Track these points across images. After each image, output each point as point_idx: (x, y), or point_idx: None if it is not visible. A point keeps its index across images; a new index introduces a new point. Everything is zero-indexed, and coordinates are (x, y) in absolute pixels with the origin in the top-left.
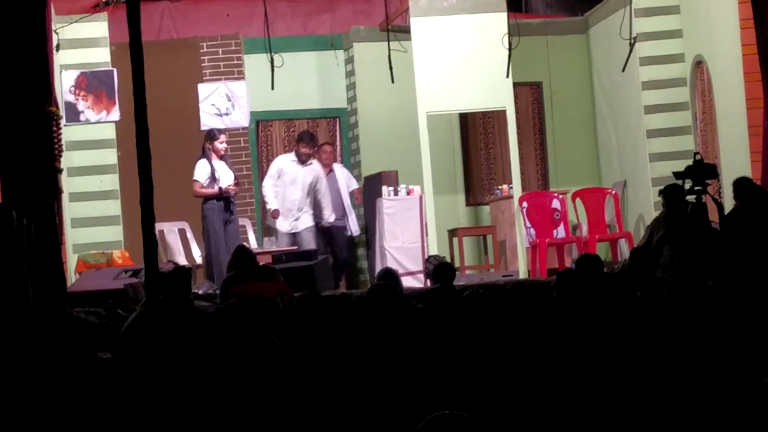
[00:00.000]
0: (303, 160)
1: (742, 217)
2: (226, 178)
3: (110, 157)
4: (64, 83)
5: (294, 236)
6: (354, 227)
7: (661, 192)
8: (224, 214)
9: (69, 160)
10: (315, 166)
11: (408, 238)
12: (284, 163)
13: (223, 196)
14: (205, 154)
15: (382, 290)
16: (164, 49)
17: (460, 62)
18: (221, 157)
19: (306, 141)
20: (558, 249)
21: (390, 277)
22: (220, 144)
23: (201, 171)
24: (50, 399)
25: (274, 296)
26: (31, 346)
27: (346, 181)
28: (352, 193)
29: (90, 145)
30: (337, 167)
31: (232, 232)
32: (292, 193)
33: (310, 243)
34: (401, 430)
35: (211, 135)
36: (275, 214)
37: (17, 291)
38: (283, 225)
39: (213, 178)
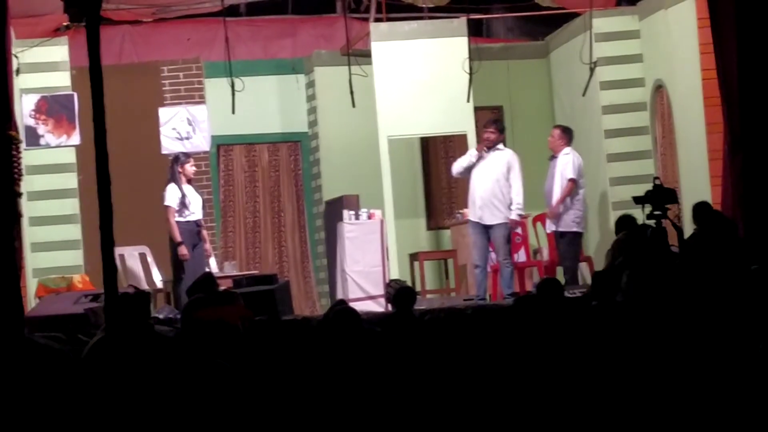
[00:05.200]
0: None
1: (701, 242)
2: (195, 202)
3: (71, 181)
4: (25, 107)
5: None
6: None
7: (615, 224)
8: (193, 238)
9: (29, 184)
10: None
11: (369, 262)
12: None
13: (192, 221)
14: (174, 179)
15: (343, 315)
16: (125, 73)
17: (421, 87)
18: (188, 181)
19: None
20: (519, 273)
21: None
22: (191, 167)
23: (172, 196)
24: (11, 425)
25: (235, 321)
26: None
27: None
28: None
29: (50, 169)
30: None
31: (197, 256)
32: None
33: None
34: None
35: (181, 159)
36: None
37: None
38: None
39: (183, 204)
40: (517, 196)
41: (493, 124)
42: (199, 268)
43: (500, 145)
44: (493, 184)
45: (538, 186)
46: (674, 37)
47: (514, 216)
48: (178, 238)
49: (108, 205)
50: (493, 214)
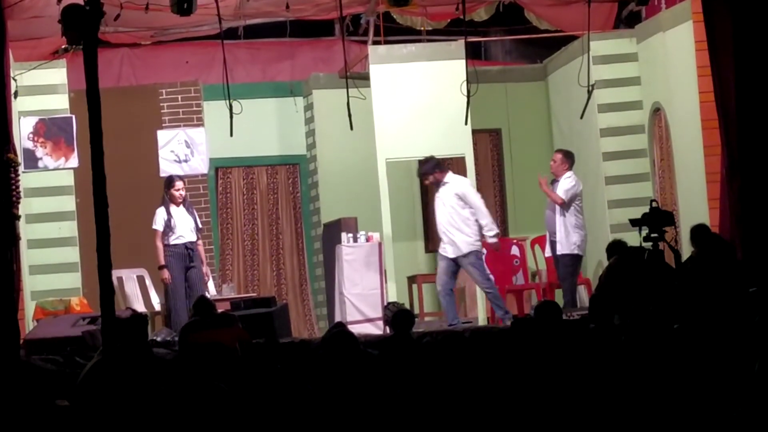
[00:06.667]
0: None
1: (699, 265)
2: (183, 225)
3: (69, 203)
4: (23, 130)
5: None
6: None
7: (606, 249)
8: (184, 261)
9: (27, 206)
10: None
11: (367, 285)
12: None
13: (180, 243)
14: (163, 202)
15: (341, 338)
16: (123, 96)
17: (419, 109)
18: (182, 204)
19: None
20: (517, 296)
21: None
22: (176, 191)
23: (158, 219)
24: None
25: (232, 344)
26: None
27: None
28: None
29: (48, 191)
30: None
31: (194, 280)
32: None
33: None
34: None
35: (168, 182)
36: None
37: None
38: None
39: (169, 226)
40: (483, 218)
41: (435, 167)
42: (195, 291)
43: (446, 178)
44: (447, 218)
45: (536, 208)
46: (672, 60)
47: (489, 240)
48: (161, 261)
49: (105, 228)
50: (452, 248)
